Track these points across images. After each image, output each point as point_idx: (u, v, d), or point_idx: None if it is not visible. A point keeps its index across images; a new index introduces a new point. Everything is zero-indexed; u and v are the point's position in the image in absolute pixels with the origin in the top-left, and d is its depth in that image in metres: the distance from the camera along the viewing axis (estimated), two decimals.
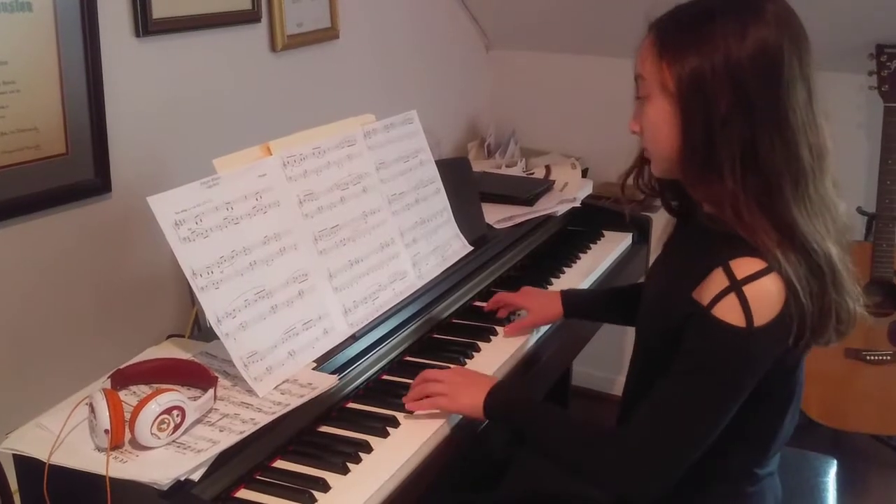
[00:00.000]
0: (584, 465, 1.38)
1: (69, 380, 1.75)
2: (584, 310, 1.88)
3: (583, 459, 1.38)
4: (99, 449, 1.30)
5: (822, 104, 1.32)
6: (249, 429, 1.34)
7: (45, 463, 1.27)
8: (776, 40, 1.26)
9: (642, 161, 1.46)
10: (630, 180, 1.50)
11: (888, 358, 2.62)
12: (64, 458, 1.28)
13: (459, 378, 1.54)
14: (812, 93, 1.30)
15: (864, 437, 2.84)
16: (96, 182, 1.83)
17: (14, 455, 1.32)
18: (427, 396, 1.52)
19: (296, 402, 1.41)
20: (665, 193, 1.49)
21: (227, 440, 1.31)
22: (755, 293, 1.25)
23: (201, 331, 1.98)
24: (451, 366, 1.67)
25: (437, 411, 1.52)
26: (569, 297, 1.86)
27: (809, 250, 1.27)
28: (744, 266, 1.26)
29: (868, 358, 2.62)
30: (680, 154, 1.32)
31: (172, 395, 1.30)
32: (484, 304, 1.93)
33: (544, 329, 1.90)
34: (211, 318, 1.43)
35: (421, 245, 1.88)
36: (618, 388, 3.16)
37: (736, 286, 1.25)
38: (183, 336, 1.90)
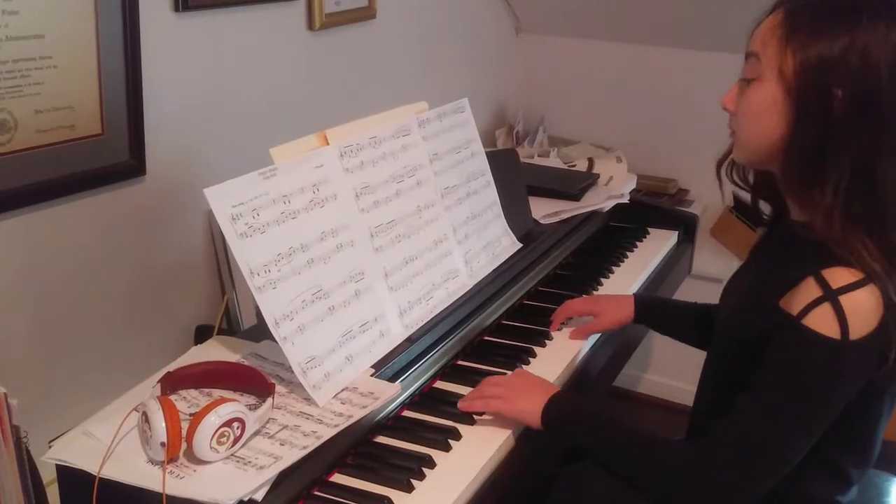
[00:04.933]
0: (654, 483, 1.29)
1: (100, 367, 1.67)
2: (655, 319, 1.76)
3: (653, 477, 1.29)
4: (153, 462, 1.20)
5: None
6: (312, 443, 1.24)
7: (94, 476, 1.17)
8: None
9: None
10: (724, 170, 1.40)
11: None
12: (115, 472, 1.17)
13: (520, 381, 1.46)
14: None
15: None
16: (131, 164, 1.73)
17: (57, 465, 1.22)
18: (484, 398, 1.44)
19: (359, 414, 1.31)
20: (759, 191, 1.39)
21: (291, 456, 1.21)
22: (852, 304, 1.16)
23: (231, 323, 1.89)
24: (507, 372, 1.58)
25: (499, 418, 1.43)
26: (642, 301, 1.74)
27: None
28: (838, 276, 1.17)
29: None
30: (781, 150, 1.22)
31: (233, 406, 1.20)
32: (534, 304, 1.84)
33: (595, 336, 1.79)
34: (269, 320, 1.33)
35: (472, 242, 1.78)
36: (643, 386, 3.09)
37: (831, 296, 1.17)
38: (212, 325, 1.82)
